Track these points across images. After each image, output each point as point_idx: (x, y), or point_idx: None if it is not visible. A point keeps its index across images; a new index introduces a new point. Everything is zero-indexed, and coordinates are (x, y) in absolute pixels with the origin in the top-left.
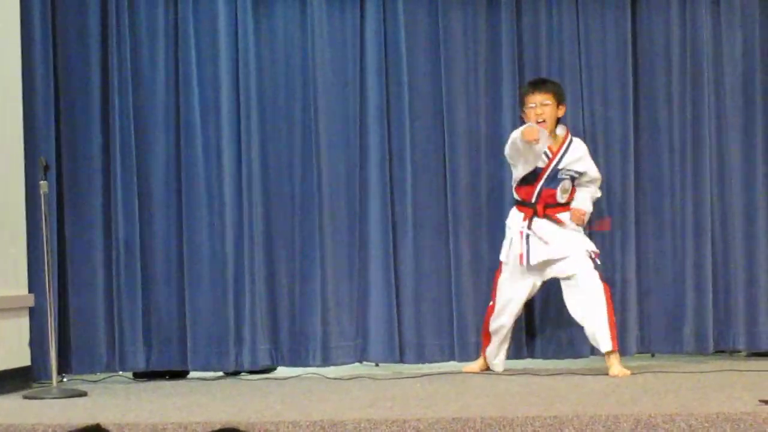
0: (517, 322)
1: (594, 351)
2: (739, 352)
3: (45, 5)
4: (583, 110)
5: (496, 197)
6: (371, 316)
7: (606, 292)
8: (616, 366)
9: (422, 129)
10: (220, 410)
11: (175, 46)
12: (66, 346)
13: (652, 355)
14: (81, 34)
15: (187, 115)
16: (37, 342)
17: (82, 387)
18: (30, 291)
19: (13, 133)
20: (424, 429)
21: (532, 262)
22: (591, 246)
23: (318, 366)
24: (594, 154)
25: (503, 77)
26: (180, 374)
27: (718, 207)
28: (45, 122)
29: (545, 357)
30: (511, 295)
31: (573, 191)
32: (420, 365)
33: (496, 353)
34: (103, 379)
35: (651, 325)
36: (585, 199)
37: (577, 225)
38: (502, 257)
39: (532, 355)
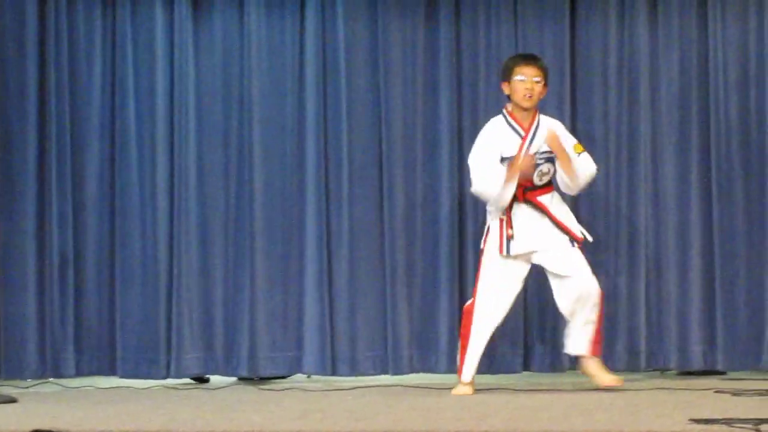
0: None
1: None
2: (671, 370)
3: None
4: None
5: (433, 209)
6: (305, 327)
7: (601, 297)
8: (605, 375)
9: (360, 140)
10: (151, 419)
11: (112, 53)
12: None
13: None
14: (18, 37)
15: (123, 123)
16: None
17: (13, 393)
18: None
19: None
20: None
21: (512, 252)
22: (576, 230)
23: (247, 376)
24: None
25: (441, 89)
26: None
27: (652, 225)
28: None
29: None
30: (497, 283)
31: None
32: (353, 378)
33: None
34: (34, 385)
35: None
36: (572, 153)
37: (549, 144)
38: (482, 245)
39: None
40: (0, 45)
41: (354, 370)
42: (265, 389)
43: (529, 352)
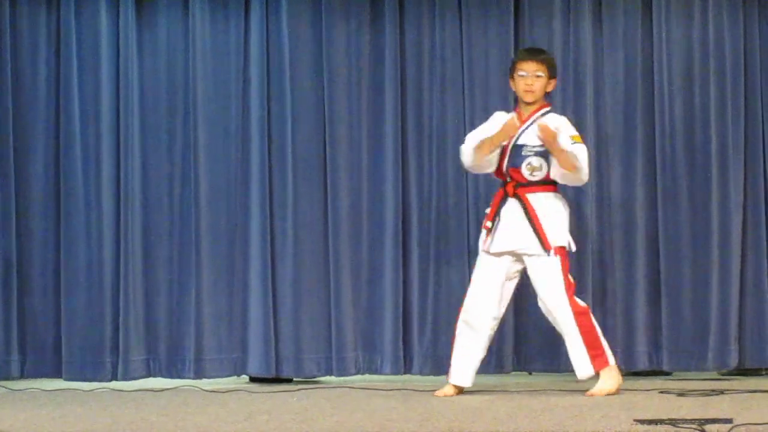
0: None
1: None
2: None
3: None
4: (465, 123)
5: (378, 211)
6: (250, 329)
7: (578, 316)
8: (607, 381)
9: (304, 141)
10: (95, 421)
11: (56, 53)
12: None
13: (530, 373)
14: None
15: (67, 124)
16: None
17: None
18: None
19: None
20: None
21: (492, 249)
22: (558, 241)
23: (193, 378)
24: None
25: (386, 90)
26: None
27: (596, 226)
28: None
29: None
30: (482, 283)
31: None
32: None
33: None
34: None
35: (528, 343)
36: (566, 144)
37: (539, 134)
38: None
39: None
40: None
41: (298, 372)
42: (209, 391)
43: None
